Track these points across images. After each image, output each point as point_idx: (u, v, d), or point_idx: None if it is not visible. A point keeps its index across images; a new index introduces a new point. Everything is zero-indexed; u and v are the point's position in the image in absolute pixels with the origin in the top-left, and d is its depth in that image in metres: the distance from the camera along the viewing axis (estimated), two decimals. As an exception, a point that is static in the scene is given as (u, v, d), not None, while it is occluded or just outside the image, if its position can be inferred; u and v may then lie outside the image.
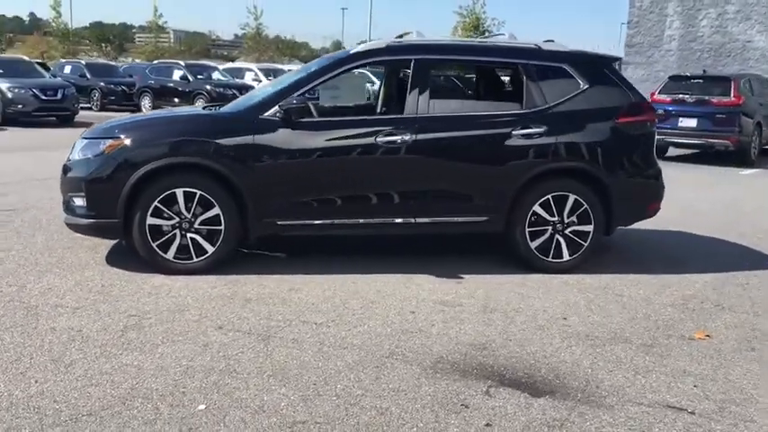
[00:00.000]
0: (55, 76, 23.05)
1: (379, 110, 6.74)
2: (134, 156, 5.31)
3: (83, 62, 30.75)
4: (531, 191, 5.74)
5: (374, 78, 21.20)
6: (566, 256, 5.85)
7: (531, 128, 5.70)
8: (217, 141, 5.38)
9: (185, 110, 5.88)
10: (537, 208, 5.76)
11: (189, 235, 5.42)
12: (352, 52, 5.92)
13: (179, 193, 5.34)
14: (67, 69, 29.33)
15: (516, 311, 4.91)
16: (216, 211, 5.41)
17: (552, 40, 6.38)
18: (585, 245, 5.86)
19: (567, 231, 5.84)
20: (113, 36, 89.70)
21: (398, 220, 5.67)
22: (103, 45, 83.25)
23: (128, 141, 5.37)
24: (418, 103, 5.63)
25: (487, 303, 5.04)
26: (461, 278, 5.61)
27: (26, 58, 22.76)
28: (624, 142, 5.88)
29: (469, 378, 3.80)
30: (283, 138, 5.45)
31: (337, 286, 5.30)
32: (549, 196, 5.76)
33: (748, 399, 3.68)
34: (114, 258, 5.75)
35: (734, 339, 4.53)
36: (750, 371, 4.03)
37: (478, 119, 5.75)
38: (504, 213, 5.75)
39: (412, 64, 5.72)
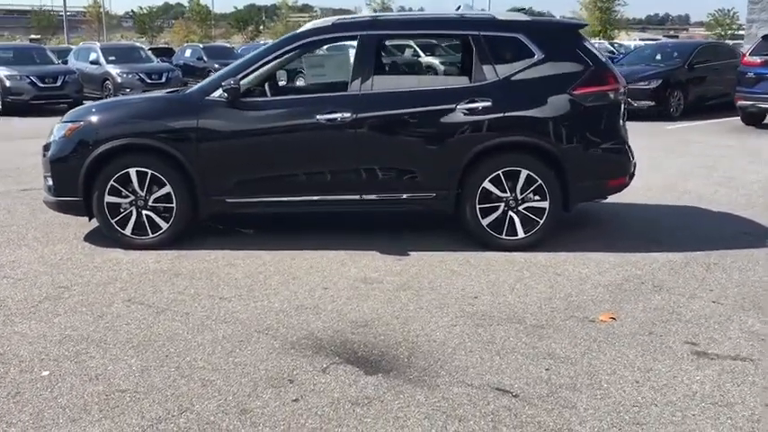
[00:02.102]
0: (164, 61, 23.86)
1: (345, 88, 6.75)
2: (90, 137, 5.68)
3: (200, 46, 32.37)
4: (478, 167, 5.60)
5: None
6: (520, 234, 5.68)
7: (476, 102, 5.54)
8: (165, 123, 5.66)
9: (149, 94, 6.19)
10: (487, 184, 5.61)
11: (144, 212, 5.74)
12: (297, 31, 5.98)
13: (132, 172, 5.67)
14: (188, 53, 31.08)
15: (431, 289, 4.85)
16: (167, 189, 5.69)
17: (524, 9, 6.15)
18: (541, 222, 5.65)
19: (520, 208, 5.65)
20: (252, 18, 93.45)
21: (345, 197, 5.71)
22: (243, 27, 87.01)
23: (85, 124, 5.75)
24: (361, 81, 5.62)
25: (409, 281, 5.02)
26: (405, 256, 5.59)
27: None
28: (580, 114, 5.59)
29: (320, 355, 3.84)
30: (227, 118, 5.63)
31: (276, 262, 5.45)
32: (500, 172, 5.59)
33: (592, 385, 3.49)
34: (92, 234, 6.16)
35: (639, 323, 4.27)
36: (622, 356, 3.81)
37: (422, 94, 5.66)
38: (452, 190, 5.65)
39: (357, 40, 5.71)
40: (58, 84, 18.44)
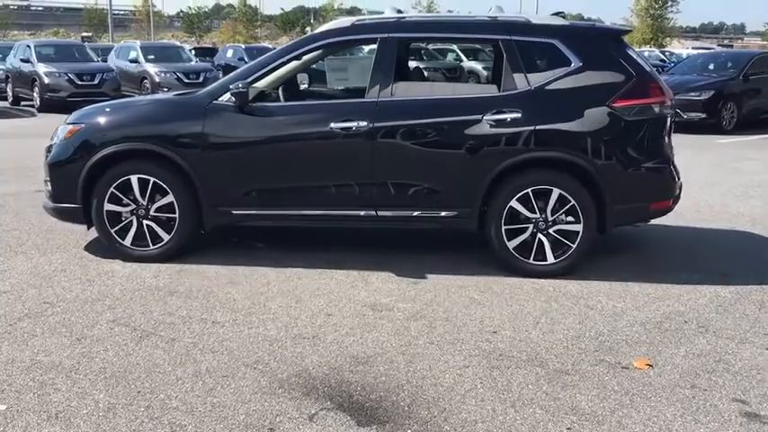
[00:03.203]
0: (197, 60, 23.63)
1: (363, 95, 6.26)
2: (90, 141, 5.34)
3: (242, 46, 32.31)
4: (505, 184, 5.10)
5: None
6: (550, 259, 5.15)
7: (504, 112, 5.04)
8: (169, 128, 5.29)
9: (152, 97, 5.82)
10: (514, 203, 5.11)
11: (145, 222, 5.37)
12: (314, 32, 5.55)
13: (133, 179, 5.31)
14: (229, 53, 31.00)
15: (446, 320, 4.37)
16: (170, 198, 5.32)
17: (562, 12, 5.62)
18: (573, 246, 5.12)
19: (551, 231, 5.13)
20: (298, 20, 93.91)
21: (359, 213, 5.27)
22: (288, 29, 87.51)
23: (86, 127, 5.40)
24: (380, 87, 5.17)
25: (422, 309, 4.54)
26: (422, 279, 5.11)
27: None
28: (621, 129, 5.04)
29: (310, 397, 3.39)
30: (234, 124, 5.24)
31: (281, 281, 5.03)
32: (529, 191, 5.08)
33: (620, 453, 2.97)
34: (94, 244, 5.82)
35: (680, 372, 3.72)
36: (658, 415, 3.27)
37: (445, 104, 5.18)
38: (476, 209, 5.16)
39: (377, 43, 5.26)
40: (96, 81, 18.42)
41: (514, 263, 5.18)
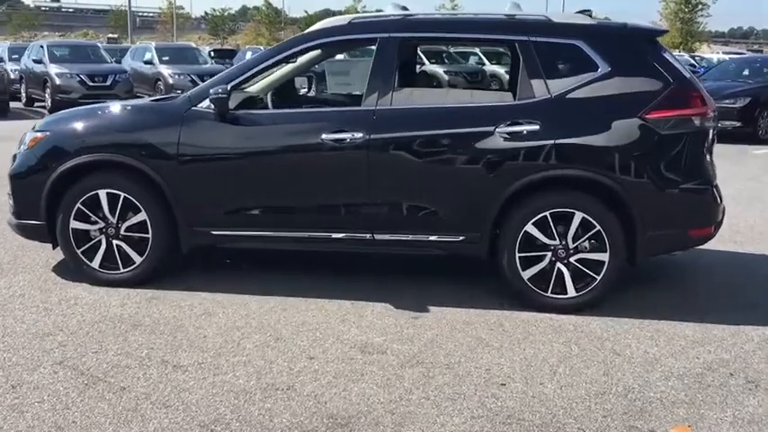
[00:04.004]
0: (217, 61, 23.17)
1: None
2: (54, 151, 4.78)
3: (262, 48, 31.89)
4: (520, 206, 4.46)
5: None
6: (571, 292, 4.49)
7: (520, 124, 4.39)
8: (142, 137, 4.71)
9: (131, 102, 5.25)
10: (530, 228, 4.45)
11: (115, 242, 4.80)
12: (306, 31, 4.94)
13: (102, 194, 4.74)
14: (248, 55, 30.55)
15: (447, 368, 3.73)
16: (142, 216, 4.74)
17: (588, 11, 4.96)
18: (598, 278, 4.45)
19: (572, 259, 4.47)
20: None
21: (353, 236, 4.65)
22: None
23: (51, 135, 4.84)
24: (379, 94, 4.54)
25: (420, 353, 3.90)
26: (422, 312, 4.47)
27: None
28: (655, 144, 4.37)
29: (271, 474, 2.77)
30: (214, 133, 4.65)
31: (262, 313, 4.42)
32: (548, 213, 4.43)
33: None
34: (64, 264, 5.24)
35: (727, 446, 3.05)
36: None
37: (452, 113, 4.54)
38: (486, 233, 4.52)
39: (377, 44, 4.63)
40: (108, 83, 18.03)
41: (529, 295, 4.53)
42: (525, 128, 4.39)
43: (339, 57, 8.71)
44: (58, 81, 17.63)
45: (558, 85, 4.44)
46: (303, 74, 5.86)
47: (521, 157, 4.40)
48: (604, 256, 4.44)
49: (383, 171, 4.51)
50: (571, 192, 4.46)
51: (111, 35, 73.10)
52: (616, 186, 4.35)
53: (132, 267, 4.81)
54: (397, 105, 4.53)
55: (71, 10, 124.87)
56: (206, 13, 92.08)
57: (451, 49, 23.94)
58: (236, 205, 4.69)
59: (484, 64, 24.54)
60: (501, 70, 22.99)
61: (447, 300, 4.67)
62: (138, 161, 4.65)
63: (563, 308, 4.49)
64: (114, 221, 4.77)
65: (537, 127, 4.38)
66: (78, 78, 17.68)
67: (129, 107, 4.99)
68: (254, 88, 5.40)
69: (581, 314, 4.46)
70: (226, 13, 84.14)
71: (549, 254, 4.48)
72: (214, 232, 4.75)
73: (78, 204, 4.75)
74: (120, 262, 4.81)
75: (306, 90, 6.19)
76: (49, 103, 17.86)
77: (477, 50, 24.91)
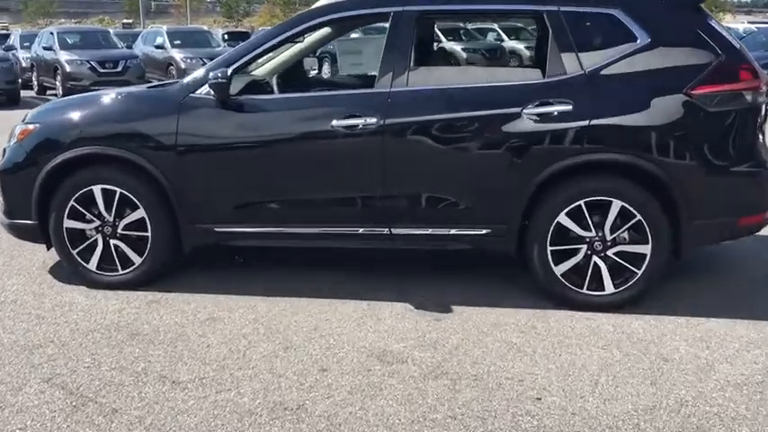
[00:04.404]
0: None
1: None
2: (44, 145, 4.43)
3: (276, 29, 31.36)
4: (552, 194, 4.04)
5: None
6: (609, 288, 4.08)
7: (551, 104, 3.96)
8: (137, 128, 4.34)
9: (122, 90, 4.87)
10: (563, 218, 4.04)
11: (113, 242, 4.45)
12: (312, 8, 4.52)
13: (96, 190, 4.39)
14: (262, 36, 30.13)
15: (475, 379, 3.35)
16: (141, 213, 4.38)
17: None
18: (639, 273, 4.03)
19: (610, 252, 4.05)
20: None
21: (368, 231, 4.26)
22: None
23: (41, 127, 4.48)
24: (393, 74, 4.13)
25: (444, 361, 3.52)
26: (446, 313, 4.09)
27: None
28: (701, 122, 3.93)
29: None
30: (214, 122, 4.27)
31: (271, 317, 4.06)
32: (582, 202, 4.01)
33: None
34: (60, 265, 4.90)
35: (802, 474, 2.63)
36: None
37: (475, 94, 4.11)
38: (515, 226, 4.11)
39: (390, 19, 4.21)
40: (119, 69, 17.65)
41: (563, 293, 4.13)
42: (556, 108, 3.96)
43: (352, 35, 8.31)
44: (68, 68, 17.31)
45: (592, 60, 4.00)
46: (312, 54, 5.45)
47: (552, 141, 3.98)
48: (646, 249, 4.01)
49: (399, 159, 4.11)
50: (608, 178, 4.04)
51: (125, 20, 72.79)
52: (658, 171, 3.91)
53: (131, 268, 4.46)
54: (413, 87, 4.12)
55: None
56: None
57: (469, 26, 23.32)
58: (240, 199, 4.32)
59: (503, 40, 23.90)
60: (520, 45, 22.35)
61: (472, 298, 4.29)
62: (134, 154, 4.29)
63: (600, 306, 4.08)
64: (111, 219, 4.42)
65: (569, 107, 3.95)
66: (89, 65, 17.34)
67: (124, 95, 4.61)
68: (260, 71, 5.03)
69: (620, 313, 4.05)
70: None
71: (585, 247, 4.07)
72: (218, 229, 4.39)
73: (72, 202, 4.40)
74: (118, 263, 4.46)
75: (316, 72, 5.79)
76: (60, 91, 17.56)
77: (495, 26, 24.28)
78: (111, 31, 24.56)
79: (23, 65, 20.56)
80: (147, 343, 3.74)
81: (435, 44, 6.23)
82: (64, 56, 17.54)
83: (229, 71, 4.20)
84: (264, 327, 3.93)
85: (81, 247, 4.48)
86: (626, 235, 4.04)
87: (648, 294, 4.14)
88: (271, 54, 5.06)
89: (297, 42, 4.94)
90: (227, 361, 3.54)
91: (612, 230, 4.02)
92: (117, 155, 4.32)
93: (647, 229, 3.98)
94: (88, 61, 17.35)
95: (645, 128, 3.92)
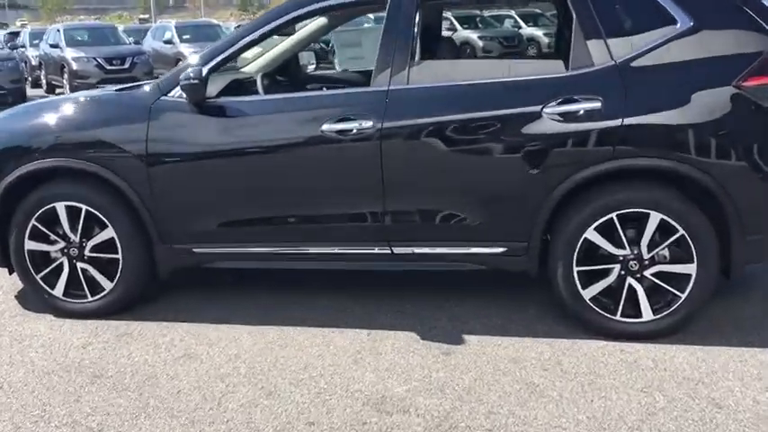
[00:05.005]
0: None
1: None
2: (1, 157, 3.91)
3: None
4: (579, 206, 3.47)
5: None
6: (647, 315, 3.50)
7: (576, 101, 3.38)
8: (102, 136, 3.82)
9: (90, 92, 4.36)
10: (592, 234, 3.47)
11: (80, 265, 3.94)
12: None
13: (60, 208, 3.88)
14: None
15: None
16: (110, 233, 3.86)
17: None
18: (683, 296, 3.45)
19: (648, 273, 3.47)
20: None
21: (367, 251, 3.72)
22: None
23: (-5, 137, 3.98)
24: (392, 69, 3.56)
25: (454, 409, 2.97)
26: (457, 345, 3.54)
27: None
28: (755, 120, 3.33)
29: None
30: (189, 128, 3.75)
31: (255, 353, 3.53)
32: (614, 215, 3.43)
33: None
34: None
35: None
36: None
37: (487, 91, 3.54)
38: (535, 242, 3.54)
39: (388, 5, 3.64)
40: (126, 65, 17.20)
41: (593, 320, 3.56)
42: (582, 106, 3.38)
43: (353, 26, 7.73)
44: (74, 66, 16.92)
45: (624, 48, 3.41)
46: (305, 48, 4.90)
47: (578, 144, 3.41)
48: (690, 268, 3.43)
49: (400, 168, 3.56)
50: (645, 187, 3.45)
51: (142, 16, 72.60)
52: (705, 178, 3.32)
53: (102, 295, 3.96)
54: (415, 84, 3.56)
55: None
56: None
57: (485, 13, 22.63)
58: (221, 216, 3.80)
59: (520, 27, 23.16)
60: (539, 32, 21.62)
61: (486, 324, 3.74)
62: (99, 166, 3.78)
63: (637, 335, 3.51)
64: (77, 240, 3.91)
65: (598, 104, 3.36)
66: (95, 62, 16.93)
67: (88, 99, 4.10)
68: (250, 68, 4.50)
69: (661, 343, 3.48)
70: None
71: (618, 266, 3.49)
72: (197, 250, 3.87)
73: (33, 221, 3.91)
74: (86, 289, 3.96)
75: (314, 67, 5.23)
76: (67, 89, 17.18)
77: (512, 12, 23.55)
78: (122, 27, 24.20)
79: (33, 63, 20.27)
80: (109, 389, 3.23)
81: (443, 33, 5.62)
82: (70, 53, 17.15)
83: (205, 70, 3.66)
84: (246, 366, 3.40)
85: (45, 272, 3.98)
86: (666, 252, 3.47)
87: (693, 321, 3.55)
88: (261, 48, 4.55)
89: (289, 35, 4.42)
90: (199, 412, 3.01)
91: (650, 247, 3.44)
92: (80, 167, 3.81)
93: (692, 246, 3.40)
94: (95, 58, 16.94)
95: (688, 127, 3.32)
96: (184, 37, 19.63)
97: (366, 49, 5.20)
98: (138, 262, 3.90)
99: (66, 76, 17.17)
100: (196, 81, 3.55)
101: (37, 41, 21.15)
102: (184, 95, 3.67)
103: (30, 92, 17.75)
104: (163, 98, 3.78)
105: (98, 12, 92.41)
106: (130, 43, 19.10)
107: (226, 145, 3.72)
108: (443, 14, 5.16)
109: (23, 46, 22.21)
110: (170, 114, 3.75)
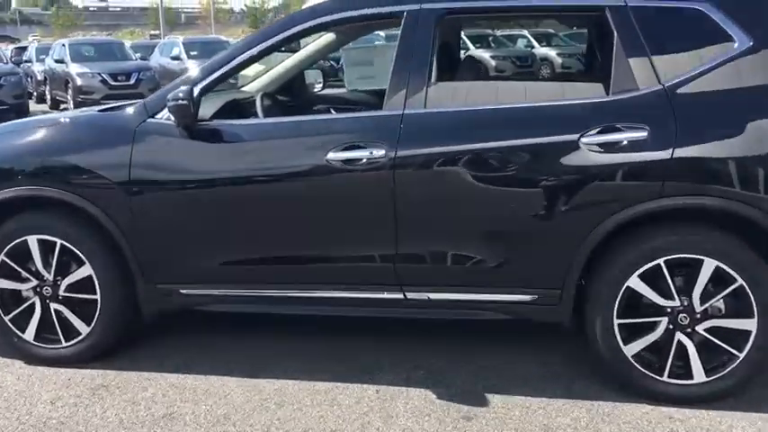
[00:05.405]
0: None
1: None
2: (-35, 186, 3.49)
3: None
4: (621, 250, 3.03)
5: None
6: (699, 376, 3.04)
7: (619, 130, 2.94)
8: (79, 162, 3.40)
9: (68, 114, 3.96)
10: (635, 282, 3.01)
11: (54, 306, 3.51)
12: (306, 7, 3.56)
13: (32, 242, 3.46)
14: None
15: None
16: (87, 270, 3.43)
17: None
18: (741, 356, 2.99)
19: (700, 328, 3.01)
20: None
21: (377, 295, 3.27)
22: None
23: (-41, 164, 3.57)
24: (408, 90, 3.13)
25: (477, 495, 2.49)
26: (478, 407, 3.08)
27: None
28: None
29: None
30: (177, 154, 3.33)
31: (247, 413, 3.09)
32: (661, 261, 2.97)
33: None
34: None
35: None
36: None
37: (515, 117, 3.11)
38: (570, 290, 3.09)
39: (402, 21, 3.21)
40: (132, 81, 16.88)
41: (636, 380, 3.10)
42: (626, 135, 2.94)
43: (363, 43, 7.34)
44: (79, 81, 16.59)
45: (672, 71, 2.98)
46: (312, 66, 4.49)
47: (620, 180, 2.96)
48: (750, 324, 2.97)
49: (416, 203, 3.12)
50: (698, 229, 3.01)
51: (152, 32, 72.80)
52: (769, 221, 2.86)
53: (77, 340, 3.53)
54: (434, 107, 3.12)
55: (118, 9, 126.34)
56: (245, 5, 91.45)
57: (498, 32, 22.26)
58: (212, 254, 3.37)
59: (533, 47, 22.77)
60: (553, 52, 21.22)
61: (512, 382, 3.28)
62: (75, 195, 3.36)
63: (687, 400, 3.05)
64: (51, 278, 3.48)
65: (644, 134, 2.92)
66: (100, 78, 16.61)
67: (66, 121, 3.68)
68: (249, 87, 4.10)
69: (714, 409, 3.01)
70: (265, 5, 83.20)
71: (665, 320, 3.03)
72: (184, 291, 3.43)
73: (2, 256, 3.48)
74: (60, 333, 3.52)
75: (320, 87, 4.82)
76: (71, 104, 16.88)
77: (525, 32, 23.17)
78: (129, 43, 23.97)
79: (39, 78, 20.03)
80: (75, 457, 2.78)
81: (462, 52, 5.19)
82: (75, 68, 16.84)
83: (196, 90, 3.24)
84: (237, 429, 2.95)
85: (15, 313, 3.55)
86: (721, 305, 3.00)
87: (752, 385, 3.08)
88: (265, 65, 4.15)
89: (294, 51, 4.01)
90: (177, 491, 2.55)
91: (704, 299, 2.98)
92: (55, 196, 3.38)
93: (752, 298, 2.94)
94: (99, 74, 16.63)
95: (748, 162, 2.88)
96: (192, 53, 19.36)
97: (378, 68, 4.79)
98: (119, 303, 3.48)
99: (70, 91, 16.86)
100: (185, 102, 3.13)
101: (43, 56, 20.89)
102: (171, 117, 3.24)
103: (34, 107, 17.52)
104: (149, 120, 3.36)
105: (111, 28, 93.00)
106: (137, 59, 18.79)
107: (219, 174, 3.29)
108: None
109: (29, 61, 21.99)
110: (157, 138, 3.33)
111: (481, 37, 21.55)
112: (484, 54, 20.00)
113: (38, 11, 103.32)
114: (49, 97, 18.66)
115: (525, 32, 23.04)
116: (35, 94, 20.19)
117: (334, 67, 17.90)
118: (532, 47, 22.89)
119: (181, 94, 3.14)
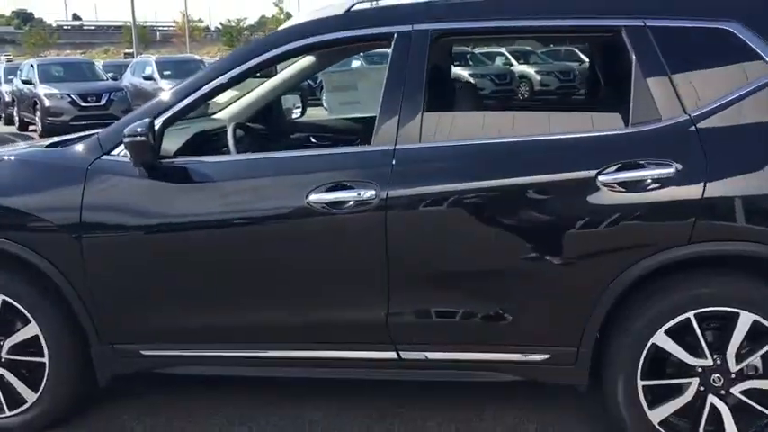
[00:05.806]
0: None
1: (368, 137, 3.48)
2: None
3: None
4: (645, 303, 2.65)
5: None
6: (733, 443, 2.66)
7: (641, 167, 2.58)
8: (22, 205, 2.98)
9: (13, 149, 3.52)
10: (662, 339, 2.65)
11: (-5, 370, 3.06)
12: (284, 26, 3.17)
13: (-30, 299, 3.00)
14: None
15: None
16: (33, 330, 3.00)
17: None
18: (781, 421, 2.62)
19: (735, 390, 2.64)
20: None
21: (367, 355, 2.87)
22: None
23: None
24: (400, 121, 2.75)
25: None
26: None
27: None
28: None
29: None
30: (135, 198, 2.91)
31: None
32: (691, 315, 2.61)
33: None
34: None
35: None
36: None
37: (524, 150, 2.74)
38: (587, 349, 2.71)
39: (392, 43, 2.84)
40: (102, 102, 16.36)
41: (663, 449, 2.71)
42: (650, 172, 2.58)
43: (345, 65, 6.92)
44: (47, 103, 16.06)
45: (699, 99, 2.64)
46: (289, 91, 4.10)
47: (646, 221, 2.60)
48: (792, 386, 2.60)
49: (410, 250, 2.74)
50: (732, 279, 2.65)
51: (127, 51, 72.11)
52: (817, 270, 2.51)
53: (23, 409, 3.10)
54: (430, 141, 2.74)
55: (92, 27, 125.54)
56: (221, 23, 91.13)
57: (476, 50, 22.01)
58: (176, 310, 2.95)
59: (512, 65, 22.58)
60: (531, 70, 21.03)
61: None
62: (17, 243, 2.93)
63: (720, 471, 2.66)
64: (-8, 338, 3.04)
65: (670, 170, 2.56)
66: (69, 99, 16.08)
67: (8, 159, 3.25)
68: (220, 115, 3.70)
69: (754, 482, 2.62)
70: (241, 24, 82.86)
71: (696, 381, 2.67)
72: (146, 352, 3.01)
73: (-64, 314, 3.03)
74: (3, 401, 3.08)
75: (299, 113, 4.43)
76: (39, 126, 16.34)
77: (503, 50, 22.96)
78: (101, 62, 23.46)
79: (6, 99, 19.47)
80: None
81: (457, 78, 4.82)
82: (43, 89, 16.32)
83: (158, 123, 2.84)
84: None
85: (-48, 378, 3.09)
86: (759, 363, 2.64)
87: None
88: (238, 90, 3.75)
89: (269, 76, 3.63)
90: None
91: (739, 357, 2.62)
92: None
93: (794, 357, 2.57)
94: (69, 95, 16.10)
95: (789, 203, 2.52)
96: (165, 73, 18.91)
97: (363, 93, 4.45)
98: (70, 367, 3.05)
99: (38, 113, 16.32)
100: (143, 138, 2.72)
101: (12, 77, 20.34)
102: (127, 154, 2.83)
103: (2, 128, 16.94)
104: (104, 157, 2.95)
105: (84, 47, 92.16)
106: (108, 79, 18.29)
107: (184, 218, 2.88)
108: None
109: (-3, 82, 21.43)
110: (112, 179, 2.92)
111: (459, 55, 21.30)
112: (463, 72, 19.74)
113: (11, 29, 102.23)
114: (17, 119, 18.12)
115: (503, 50, 22.85)
116: (3, 115, 19.61)
117: (311, 85, 17.50)
118: (511, 65, 22.71)
119: (139, 129, 2.73)
